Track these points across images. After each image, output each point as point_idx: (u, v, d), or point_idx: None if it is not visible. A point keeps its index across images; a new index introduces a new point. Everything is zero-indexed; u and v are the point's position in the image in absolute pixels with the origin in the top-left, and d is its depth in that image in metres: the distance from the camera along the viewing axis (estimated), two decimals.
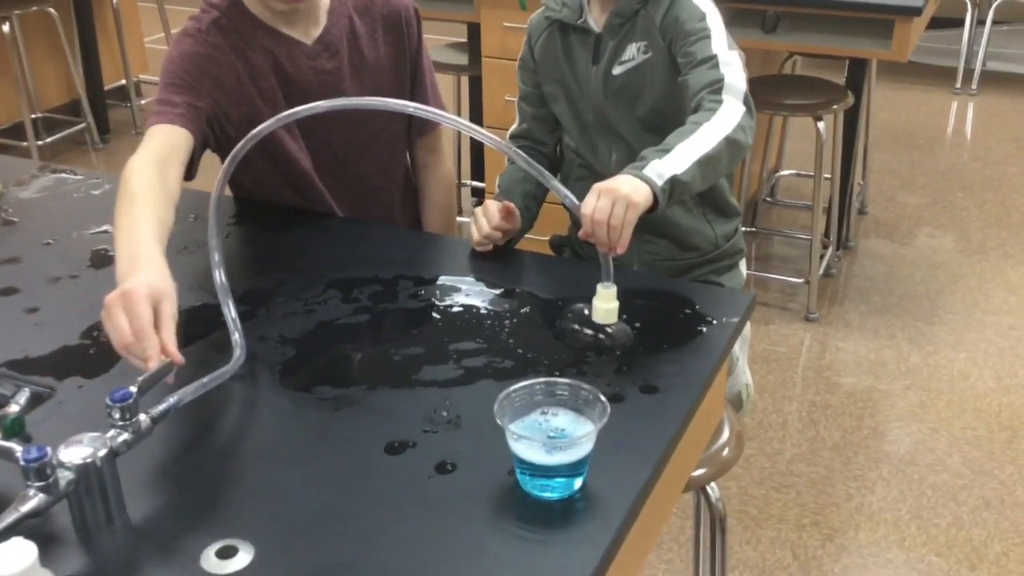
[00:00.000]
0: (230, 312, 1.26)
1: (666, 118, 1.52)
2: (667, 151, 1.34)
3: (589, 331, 1.28)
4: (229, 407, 1.18)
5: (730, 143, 1.37)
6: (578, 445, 1.00)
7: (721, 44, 1.48)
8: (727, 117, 1.38)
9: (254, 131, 1.28)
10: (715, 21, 1.51)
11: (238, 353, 1.20)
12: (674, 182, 1.31)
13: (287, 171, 1.65)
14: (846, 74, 3.29)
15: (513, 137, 1.72)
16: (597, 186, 1.27)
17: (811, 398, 2.80)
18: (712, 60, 1.45)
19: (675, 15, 1.52)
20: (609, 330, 1.28)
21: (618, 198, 1.25)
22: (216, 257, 1.31)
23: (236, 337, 1.23)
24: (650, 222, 1.63)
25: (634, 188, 1.27)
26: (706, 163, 1.34)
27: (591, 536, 0.97)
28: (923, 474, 2.50)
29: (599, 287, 1.27)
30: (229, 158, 1.31)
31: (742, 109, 1.40)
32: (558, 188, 1.28)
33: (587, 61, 1.61)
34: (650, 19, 1.55)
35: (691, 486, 1.57)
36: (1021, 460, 2.54)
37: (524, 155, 1.27)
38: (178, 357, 1.08)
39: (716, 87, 1.42)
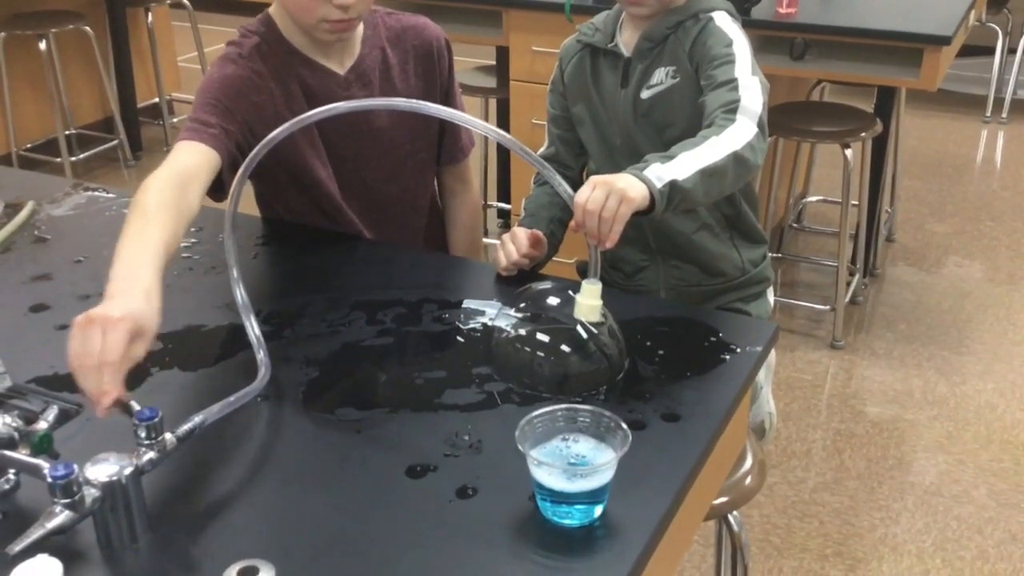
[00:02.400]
0: (253, 329, 1.28)
1: None
2: (671, 157, 1.34)
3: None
4: (253, 427, 1.19)
5: (737, 159, 1.36)
6: (599, 472, 1.00)
7: (744, 69, 1.48)
8: (737, 134, 1.38)
9: (268, 137, 1.29)
10: (741, 48, 1.52)
11: (262, 372, 1.22)
12: (673, 187, 1.30)
13: (316, 196, 1.66)
14: (875, 101, 3.29)
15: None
16: (593, 178, 1.26)
17: (836, 426, 2.78)
18: (732, 83, 1.46)
19: (704, 40, 1.53)
20: (593, 330, 1.25)
21: (613, 191, 1.24)
22: (235, 274, 1.32)
23: (261, 355, 1.24)
24: (677, 247, 1.64)
25: (631, 185, 1.26)
26: (710, 175, 1.33)
27: (611, 564, 0.97)
28: (948, 506, 2.47)
29: (584, 283, 1.25)
30: (242, 167, 1.31)
31: (754, 130, 1.40)
32: (557, 181, 1.27)
33: (615, 84, 1.62)
34: (679, 44, 1.56)
35: (713, 514, 1.56)
36: None
37: (533, 154, 1.27)
38: (106, 402, 1.02)
39: (731, 107, 1.42)
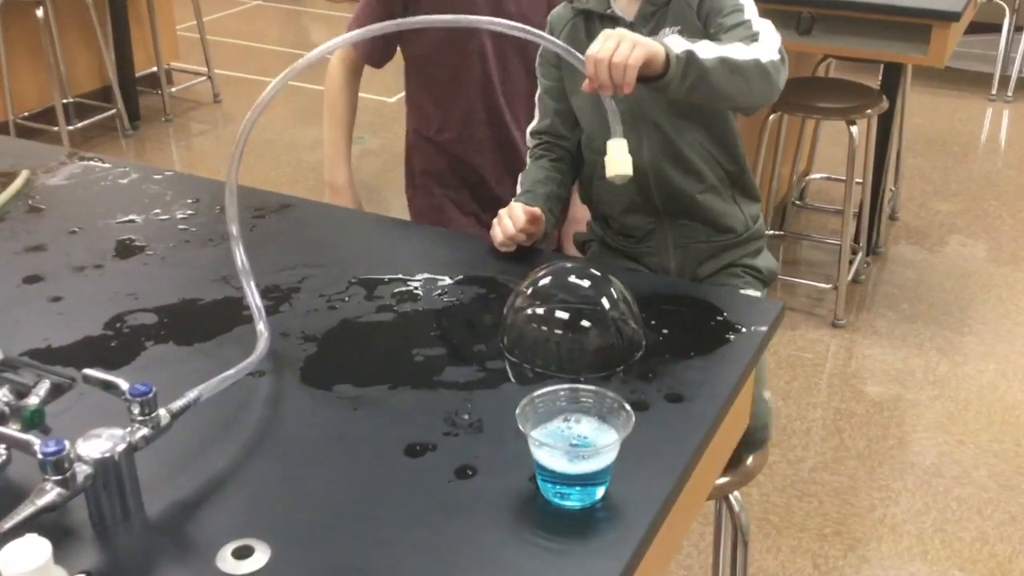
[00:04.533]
0: (254, 299, 1.25)
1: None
2: (688, 38, 1.33)
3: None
4: (249, 404, 1.17)
5: (761, 69, 1.34)
6: (601, 454, 0.98)
7: (754, 15, 1.45)
8: (763, 50, 1.37)
9: (274, 84, 1.32)
10: (749, 1, 1.49)
11: (261, 345, 1.19)
12: (691, 57, 1.27)
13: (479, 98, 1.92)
14: (881, 78, 3.25)
15: (534, 133, 1.70)
16: (605, 31, 1.25)
17: (836, 406, 2.77)
18: (745, 24, 1.43)
19: None
20: (618, 182, 1.29)
21: (624, 38, 1.22)
22: (234, 230, 1.28)
23: (260, 327, 1.22)
24: (684, 208, 1.60)
25: (646, 40, 1.25)
26: (731, 68, 1.31)
27: (612, 547, 0.95)
28: (948, 486, 2.46)
29: (609, 143, 1.26)
30: (254, 112, 1.29)
31: (777, 55, 1.38)
32: (563, 48, 1.28)
33: None
34: (686, 2, 1.50)
35: (714, 495, 1.55)
36: None
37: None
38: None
39: (752, 37, 1.40)
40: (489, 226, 1.54)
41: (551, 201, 1.62)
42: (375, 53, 1.98)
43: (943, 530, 2.33)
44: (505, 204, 1.56)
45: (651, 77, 1.27)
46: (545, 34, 1.29)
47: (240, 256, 1.29)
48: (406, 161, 2.13)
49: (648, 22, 1.52)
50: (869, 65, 3.60)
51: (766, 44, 1.39)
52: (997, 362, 2.94)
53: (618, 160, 1.27)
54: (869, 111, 3.02)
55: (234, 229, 1.29)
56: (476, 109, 1.99)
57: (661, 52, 1.26)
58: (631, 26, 1.52)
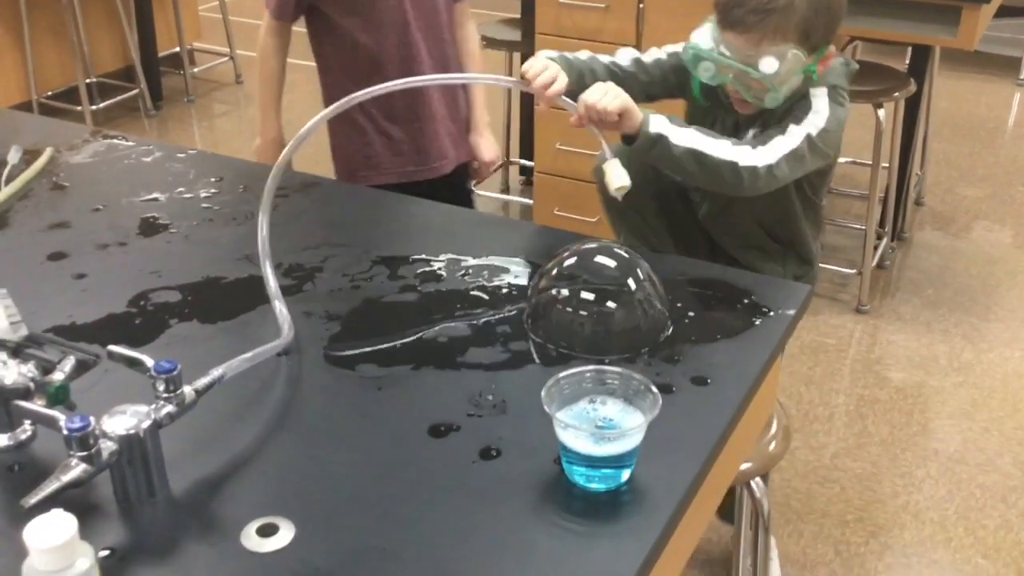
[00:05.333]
0: (279, 301, 1.25)
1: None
2: (682, 126, 1.49)
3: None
4: (273, 382, 1.17)
5: (733, 170, 1.49)
6: (627, 436, 0.97)
7: (799, 128, 1.56)
8: (757, 154, 1.51)
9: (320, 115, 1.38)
10: (816, 116, 1.57)
11: (286, 330, 1.19)
12: (660, 140, 1.46)
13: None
14: (908, 61, 3.21)
15: (625, 59, 1.71)
16: (598, 83, 1.45)
17: (859, 392, 2.75)
18: (782, 126, 1.57)
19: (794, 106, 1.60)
20: (616, 194, 1.40)
21: (610, 90, 1.43)
22: (263, 241, 1.29)
23: (281, 309, 1.22)
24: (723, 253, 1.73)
25: (632, 104, 1.44)
26: (699, 160, 1.48)
27: (638, 530, 0.95)
28: (972, 474, 2.44)
29: (604, 165, 1.41)
30: (302, 132, 1.35)
31: (767, 161, 1.51)
32: (567, 102, 1.46)
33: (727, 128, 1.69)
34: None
35: (736, 480, 1.54)
36: None
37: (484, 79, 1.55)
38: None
39: (762, 139, 1.54)
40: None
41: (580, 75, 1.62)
42: (284, 9, 2.04)
43: (966, 517, 2.31)
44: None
45: (626, 136, 1.47)
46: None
47: (269, 278, 1.27)
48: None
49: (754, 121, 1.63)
50: (896, 48, 3.56)
51: (768, 150, 1.52)
52: (1022, 349, 2.91)
53: (616, 175, 1.40)
54: (897, 94, 2.98)
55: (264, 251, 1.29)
56: (390, 48, 2.06)
57: (637, 115, 1.44)
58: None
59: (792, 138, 1.54)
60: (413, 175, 2.13)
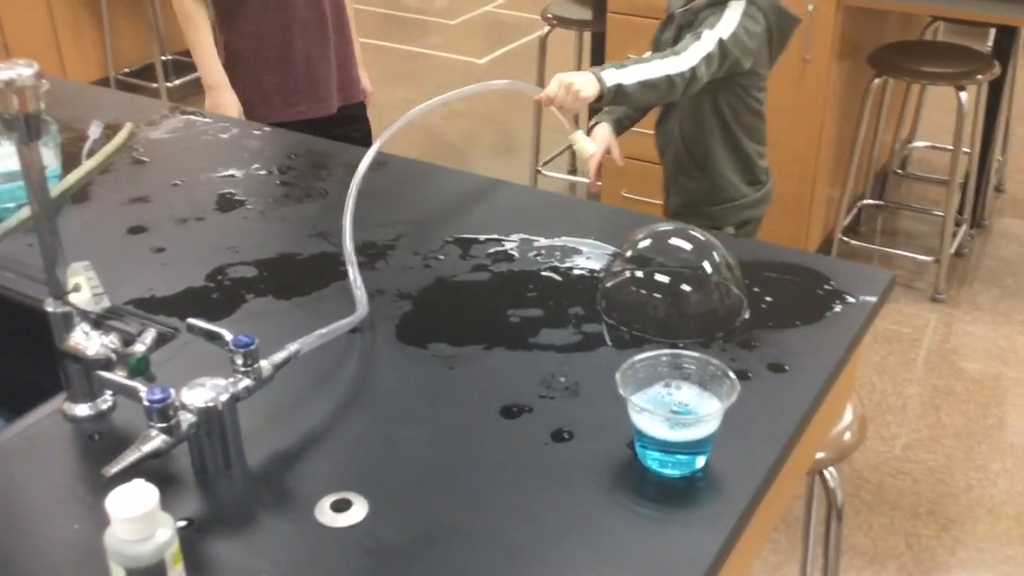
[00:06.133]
0: (358, 276, 1.26)
1: None
2: (624, 67, 1.75)
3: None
4: (346, 359, 1.17)
5: (669, 83, 1.75)
6: (704, 422, 0.96)
7: (711, 32, 1.80)
8: (680, 61, 1.76)
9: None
10: (726, 23, 1.81)
11: (361, 308, 1.19)
12: (618, 89, 1.72)
13: None
14: (992, 42, 3.10)
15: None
16: (560, 77, 1.70)
17: (933, 382, 2.68)
18: (697, 34, 1.81)
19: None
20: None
21: (570, 90, 1.69)
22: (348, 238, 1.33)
23: (359, 294, 1.22)
24: (694, 183, 2.00)
25: (586, 85, 1.69)
26: (646, 86, 1.74)
27: (713, 518, 0.93)
28: None
29: (571, 137, 1.77)
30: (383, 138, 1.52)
31: (691, 63, 1.76)
32: (529, 88, 1.77)
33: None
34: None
35: (809, 470, 1.51)
36: None
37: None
38: None
39: (679, 48, 1.79)
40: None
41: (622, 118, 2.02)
42: None
43: None
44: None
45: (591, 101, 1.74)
46: (493, 83, 1.77)
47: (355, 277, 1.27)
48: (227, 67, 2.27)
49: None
50: (979, 28, 3.45)
51: (688, 54, 1.77)
52: None
53: (585, 146, 1.77)
54: (980, 77, 2.88)
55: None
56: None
57: (596, 93, 1.70)
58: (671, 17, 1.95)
59: (706, 42, 1.78)
60: (305, 113, 2.27)
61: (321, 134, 1.83)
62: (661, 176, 2.09)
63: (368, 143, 2.38)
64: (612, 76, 1.72)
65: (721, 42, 1.79)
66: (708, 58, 1.78)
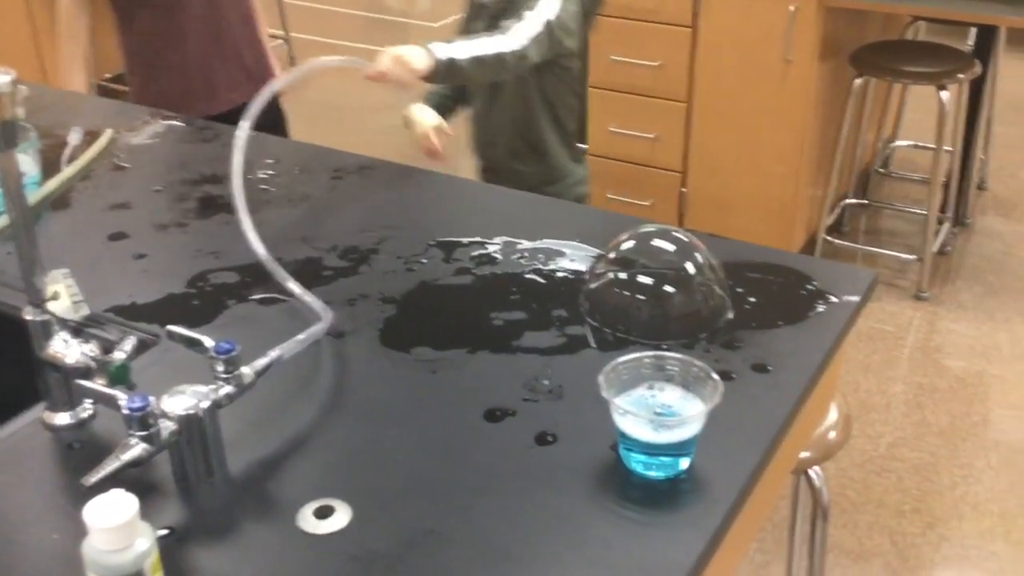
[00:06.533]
0: (296, 285, 1.25)
1: None
2: (452, 42, 1.73)
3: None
4: (328, 364, 1.16)
5: (500, 60, 1.75)
6: (687, 424, 0.96)
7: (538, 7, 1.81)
8: (512, 39, 1.76)
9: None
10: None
11: (322, 318, 1.18)
12: (451, 64, 1.69)
13: None
14: (973, 42, 3.12)
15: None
16: (392, 51, 1.65)
17: (918, 380, 2.69)
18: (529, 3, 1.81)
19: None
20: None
21: (402, 63, 1.64)
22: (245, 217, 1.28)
23: (309, 299, 1.22)
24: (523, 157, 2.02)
25: (417, 58, 1.66)
26: (479, 63, 1.73)
27: (697, 519, 0.93)
28: None
29: (408, 113, 1.84)
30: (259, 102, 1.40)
31: (523, 42, 1.76)
32: (361, 62, 1.62)
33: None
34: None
35: (794, 469, 1.52)
36: None
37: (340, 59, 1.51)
38: None
39: (508, 25, 1.78)
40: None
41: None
42: None
43: None
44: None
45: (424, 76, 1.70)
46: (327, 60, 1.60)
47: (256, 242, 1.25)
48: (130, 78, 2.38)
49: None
50: (960, 28, 3.47)
51: (514, 35, 1.76)
52: None
53: (425, 117, 1.83)
54: (961, 76, 2.90)
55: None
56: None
57: (428, 67, 1.67)
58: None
59: (531, 23, 1.78)
60: (203, 111, 2.17)
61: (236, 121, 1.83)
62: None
63: (281, 132, 2.40)
64: (444, 50, 1.70)
65: (548, 23, 1.80)
66: (537, 39, 1.79)
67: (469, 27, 1.97)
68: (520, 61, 1.79)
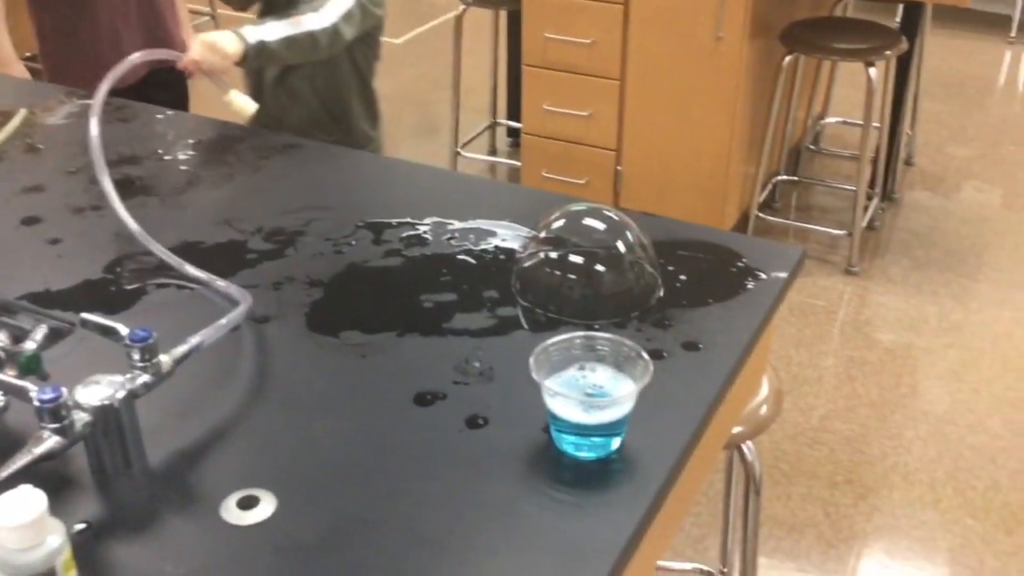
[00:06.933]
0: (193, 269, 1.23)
1: None
2: (261, 24, 1.74)
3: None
4: (253, 350, 1.13)
5: (312, 40, 1.76)
6: (618, 404, 0.95)
7: None
8: (320, 18, 1.76)
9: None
10: None
11: (241, 304, 1.14)
12: (262, 46, 1.70)
13: None
14: (900, 18, 3.16)
15: None
16: (202, 38, 1.66)
17: (848, 353, 2.74)
18: None
19: None
20: (250, 119, 1.71)
21: (215, 50, 1.65)
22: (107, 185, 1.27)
23: (221, 285, 1.19)
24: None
25: (229, 43, 1.65)
26: (290, 44, 1.74)
27: (628, 499, 0.92)
28: (962, 435, 2.44)
29: (228, 97, 1.68)
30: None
31: (333, 19, 1.76)
32: (174, 55, 1.69)
33: None
34: None
35: (726, 444, 1.52)
36: None
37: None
38: None
39: (318, 5, 1.78)
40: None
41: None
42: None
43: (955, 478, 2.31)
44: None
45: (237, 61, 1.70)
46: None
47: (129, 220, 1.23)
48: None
49: None
50: (887, 5, 3.52)
51: (326, 12, 1.77)
52: (1012, 309, 2.90)
53: (243, 103, 1.69)
54: (888, 52, 2.94)
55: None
56: None
57: (239, 52, 1.67)
58: None
59: (342, 1, 1.79)
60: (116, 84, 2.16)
61: (137, 99, 1.82)
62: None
63: (183, 107, 2.34)
64: (254, 34, 1.70)
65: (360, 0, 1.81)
66: (348, 15, 1.79)
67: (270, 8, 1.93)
68: (334, 39, 1.78)
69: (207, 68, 1.66)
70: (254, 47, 1.69)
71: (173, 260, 1.24)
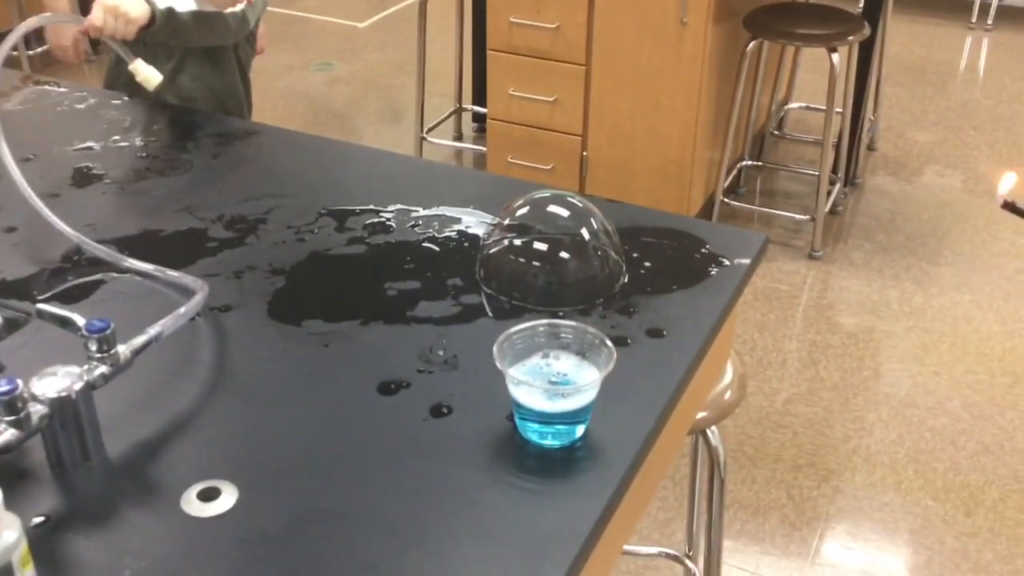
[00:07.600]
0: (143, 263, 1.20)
1: None
2: None
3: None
4: (214, 340, 1.12)
5: (222, 20, 1.74)
6: (582, 392, 0.95)
7: None
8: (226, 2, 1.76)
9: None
10: None
11: (197, 293, 1.13)
12: (171, 14, 1.64)
13: None
14: (862, 4, 3.18)
15: None
16: (105, 1, 1.56)
17: (811, 337, 2.76)
18: None
19: None
20: (156, 89, 1.59)
21: (118, 15, 1.56)
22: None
23: (177, 276, 1.17)
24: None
25: (135, 6, 1.58)
26: (199, 20, 1.71)
27: (593, 486, 0.93)
28: (922, 417, 2.47)
29: (132, 67, 1.57)
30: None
31: (241, 11, 1.76)
32: (78, 19, 1.62)
33: None
34: None
35: (691, 430, 1.53)
36: (1022, 406, 2.51)
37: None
38: None
39: None
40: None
41: None
42: None
43: (917, 460, 2.34)
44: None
45: (143, 26, 1.61)
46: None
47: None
48: None
49: None
50: None
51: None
52: (972, 293, 2.94)
53: (149, 74, 1.57)
54: (851, 38, 2.96)
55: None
56: None
57: (147, 16, 1.59)
58: None
59: None
60: None
61: None
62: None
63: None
64: (165, 0, 1.66)
65: None
66: (253, 5, 1.80)
67: None
68: (241, 25, 1.76)
69: (109, 33, 1.57)
70: (163, 14, 1.62)
71: (103, 252, 1.21)
